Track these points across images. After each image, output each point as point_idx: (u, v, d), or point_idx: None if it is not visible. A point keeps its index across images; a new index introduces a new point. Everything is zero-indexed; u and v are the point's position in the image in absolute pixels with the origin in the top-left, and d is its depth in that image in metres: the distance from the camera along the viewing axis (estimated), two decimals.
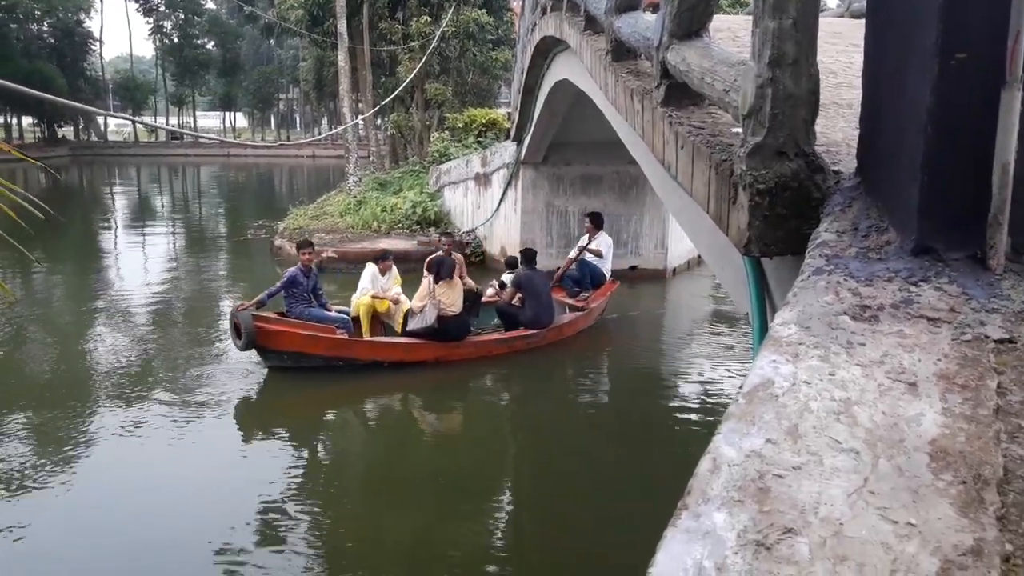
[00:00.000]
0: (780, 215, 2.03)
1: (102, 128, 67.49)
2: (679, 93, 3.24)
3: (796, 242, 2.00)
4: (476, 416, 8.06)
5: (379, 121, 25.71)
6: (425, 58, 21.49)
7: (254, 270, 15.14)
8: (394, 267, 9.43)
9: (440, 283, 8.53)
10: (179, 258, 17.59)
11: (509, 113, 18.93)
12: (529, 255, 9.71)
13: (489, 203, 15.19)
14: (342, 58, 20.09)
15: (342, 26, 19.85)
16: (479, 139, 19.33)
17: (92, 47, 63.25)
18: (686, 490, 0.96)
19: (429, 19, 22.41)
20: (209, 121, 78.59)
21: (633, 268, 14.26)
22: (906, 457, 1.03)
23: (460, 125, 20.13)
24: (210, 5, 67.72)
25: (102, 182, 41.57)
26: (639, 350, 10.37)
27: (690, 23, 3.01)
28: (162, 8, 63.57)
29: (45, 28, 59.16)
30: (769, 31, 1.94)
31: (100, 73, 66.06)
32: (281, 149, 52.81)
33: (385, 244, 14.97)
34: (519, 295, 9.40)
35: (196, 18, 65.01)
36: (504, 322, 9.51)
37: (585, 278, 10.47)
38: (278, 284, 8.44)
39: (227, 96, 68.53)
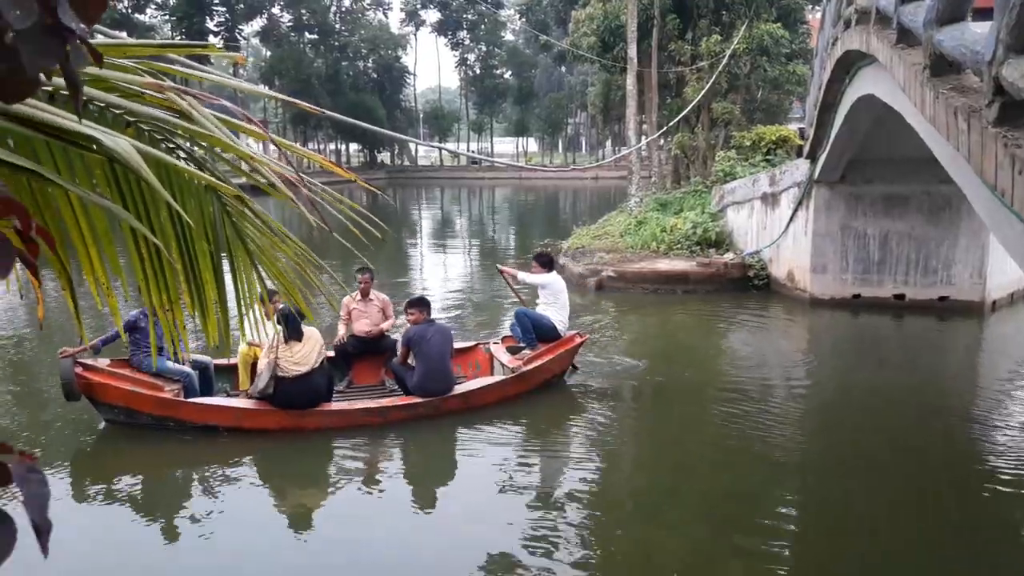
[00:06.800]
0: None
1: (413, 153, 75.41)
2: (1016, 112, 2.88)
3: None
4: (308, 500, 6.41)
5: (662, 142, 25.79)
6: (714, 77, 21.17)
7: None
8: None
9: (289, 342, 7.07)
10: (472, 272, 19.06)
11: (801, 130, 17.99)
12: (423, 302, 7.84)
13: (776, 224, 14.53)
14: (630, 82, 20.47)
15: (632, 50, 20.24)
16: (767, 157, 18.59)
17: (407, 80, 71.14)
18: None
19: (720, 37, 22.06)
20: (505, 146, 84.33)
21: (943, 299, 12.80)
22: None
23: (747, 143, 19.50)
24: (509, 37, 72.85)
25: (412, 201, 46.40)
26: (599, 425, 7.78)
27: None
28: (467, 42, 69.66)
29: (369, 64, 67.75)
30: None
31: (413, 104, 74.00)
32: (569, 172, 55.03)
33: (664, 265, 14.98)
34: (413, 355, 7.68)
35: (496, 50, 70.35)
36: (398, 385, 7.87)
37: (528, 331, 8.47)
38: (114, 328, 7.25)
39: (521, 122, 73.12)
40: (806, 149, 13.37)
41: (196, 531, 5.64)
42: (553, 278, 8.83)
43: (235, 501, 6.12)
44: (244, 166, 2.20)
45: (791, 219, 13.86)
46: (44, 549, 0.95)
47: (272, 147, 2.35)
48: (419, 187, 56.90)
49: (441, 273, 18.96)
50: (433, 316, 8.15)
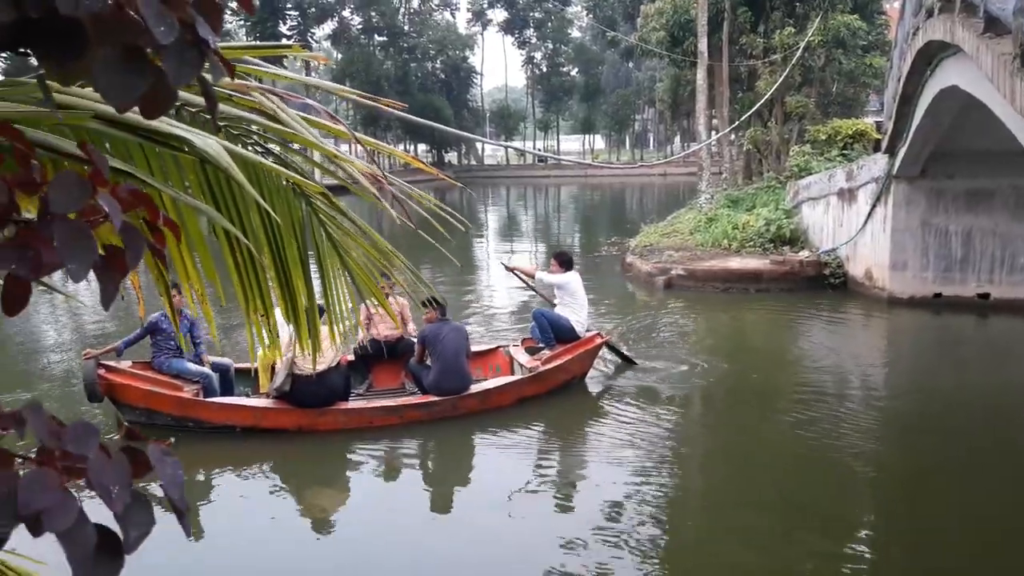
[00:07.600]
0: None
1: (480, 153, 75.87)
2: None
3: None
4: (326, 500, 6.40)
5: (733, 137, 25.30)
6: (788, 70, 20.67)
7: (603, 286, 15.26)
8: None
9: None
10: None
11: (879, 123, 17.40)
12: (436, 302, 7.66)
13: (853, 221, 14.11)
14: (700, 76, 20.17)
15: (702, 44, 19.94)
16: (844, 152, 18.05)
17: (474, 80, 71.58)
18: None
19: (793, 30, 21.53)
20: (571, 144, 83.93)
21: None
22: None
23: (823, 137, 18.99)
24: (575, 34, 72.57)
25: (479, 200, 46.70)
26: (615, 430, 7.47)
27: None
28: (534, 40, 69.69)
29: (437, 65, 68.49)
30: None
31: (480, 103, 74.40)
32: (636, 169, 54.52)
33: (736, 263, 14.71)
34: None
35: (563, 47, 70.19)
36: (415, 385, 7.90)
37: (546, 331, 8.45)
38: (138, 331, 7.51)
39: (587, 120, 72.72)
40: (884, 143, 12.96)
41: (214, 530, 5.75)
42: (570, 277, 8.71)
43: (253, 500, 6.21)
44: (325, 164, 2.27)
45: (869, 215, 13.45)
46: (186, 529, 0.96)
47: (345, 148, 2.41)
48: (486, 186, 57.12)
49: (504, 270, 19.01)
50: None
